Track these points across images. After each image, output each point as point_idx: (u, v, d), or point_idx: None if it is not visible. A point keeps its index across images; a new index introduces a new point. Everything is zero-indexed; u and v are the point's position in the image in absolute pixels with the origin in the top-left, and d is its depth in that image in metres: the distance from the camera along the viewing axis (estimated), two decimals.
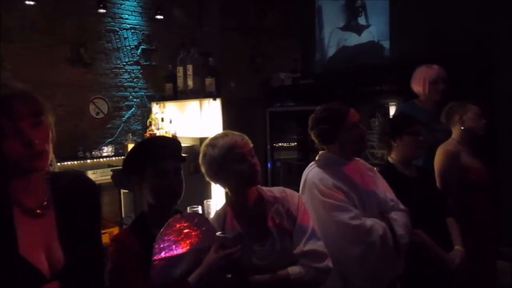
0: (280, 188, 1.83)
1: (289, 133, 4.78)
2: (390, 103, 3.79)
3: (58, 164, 3.82)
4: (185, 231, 1.50)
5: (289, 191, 1.81)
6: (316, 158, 2.12)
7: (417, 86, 2.96)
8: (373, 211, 1.96)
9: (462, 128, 2.56)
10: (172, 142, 1.71)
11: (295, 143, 4.71)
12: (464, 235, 2.27)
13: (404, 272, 1.97)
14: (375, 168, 2.18)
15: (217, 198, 3.37)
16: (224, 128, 3.50)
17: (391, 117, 2.60)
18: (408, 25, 4.10)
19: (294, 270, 1.65)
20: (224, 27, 6.07)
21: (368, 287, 1.91)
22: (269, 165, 4.62)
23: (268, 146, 4.68)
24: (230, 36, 6.13)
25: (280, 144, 4.88)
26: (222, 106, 3.69)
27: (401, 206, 2.02)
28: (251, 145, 1.76)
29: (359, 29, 4.70)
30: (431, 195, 2.27)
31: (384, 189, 2.04)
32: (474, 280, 2.39)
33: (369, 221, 1.88)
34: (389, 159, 2.32)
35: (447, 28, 3.70)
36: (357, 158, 2.12)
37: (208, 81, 3.74)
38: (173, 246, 1.45)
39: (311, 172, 2.04)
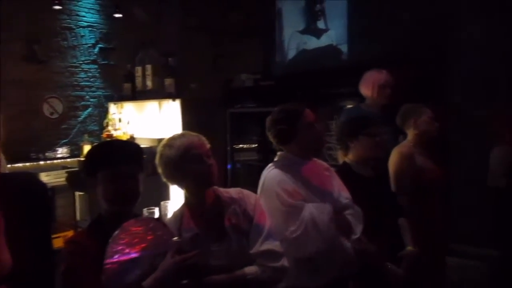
0: (237, 189, 1.84)
1: (249, 134, 4.79)
2: (348, 105, 3.87)
3: (9, 165, 3.66)
4: (140, 235, 1.47)
5: (246, 191, 1.82)
6: (275, 159, 2.14)
7: (366, 89, 3.07)
8: None
9: (417, 131, 2.65)
10: (131, 146, 1.70)
11: (256, 145, 4.72)
12: (416, 234, 2.35)
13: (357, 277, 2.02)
14: (332, 169, 2.22)
15: (176, 199, 3.33)
16: (183, 129, 3.47)
17: (349, 118, 2.66)
18: (366, 29, 4.22)
19: (250, 270, 1.66)
20: (185, 26, 6.02)
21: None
22: (229, 166, 4.62)
23: (229, 148, 4.67)
24: (191, 36, 6.08)
25: (240, 145, 4.88)
26: (182, 107, 3.66)
27: (355, 207, 2.06)
28: (209, 145, 1.76)
29: (318, 33, 4.78)
30: (385, 196, 2.34)
31: (339, 189, 2.08)
32: (425, 277, 2.48)
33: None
34: (346, 159, 2.37)
35: (403, 32, 3.83)
36: (314, 159, 2.16)
37: (168, 81, 3.70)
38: (127, 250, 1.43)
39: (270, 173, 2.06)
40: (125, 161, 1.55)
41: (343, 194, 2.07)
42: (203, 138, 1.76)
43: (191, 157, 1.68)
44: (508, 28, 3.28)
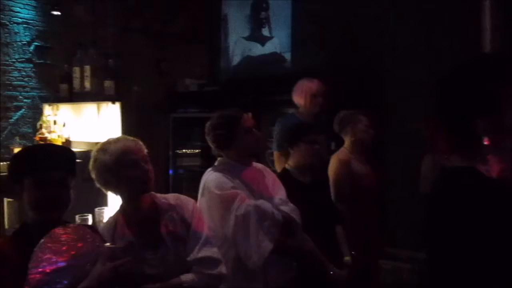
0: (175, 194, 1.82)
1: (193, 139, 4.74)
2: (290, 112, 3.93)
3: None
4: (69, 242, 1.41)
5: (184, 197, 1.80)
6: (214, 164, 2.14)
7: (298, 98, 3.14)
8: None
9: (353, 138, 2.74)
10: (60, 151, 1.64)
11: (199, 150, 4.68)
12: (354, 239, 2.42)
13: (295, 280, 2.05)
14: (273, 173, 2.25)
15: (114, 206, 3.22)
16: (123, 134, 3.37)
17: (290, 124, 2.72)
18: (309, 38, 4.32)
19: (187, 277, 1.65)
20: (128, 28, 5.85)
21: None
22: (171, 172, 4.54)
23: (171, 153, 4.59)
24: (134, 38, 5.92)
25: (183, 150, 4.81)
26: (122, 110, 3.55)
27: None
28: (146, 150, 1.72)
29: (263, 40, 4.83)
30: (324, 202, 2.39)
31: (280, 194, 2.11)
32: (360, 280, 2.56)
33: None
34: (286, 165, 2.41)
35: (344, 42, 3.96)
36: (255, 163, 2.18)
37: (107, 83, 3.58)
38: (54, 259, 1.36)
39: (209, 176, 2.06)
40: (53, 167, 1.48)
41: (283, 199, 2.10)
42: (140, 143, 1.72)
43: (126, 162, 1.63)
44: (442, 39, 3.48)
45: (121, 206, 1.73)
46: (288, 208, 2.04)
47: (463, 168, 1.11)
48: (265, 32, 4.84)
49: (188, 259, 1.67)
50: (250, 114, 2.15)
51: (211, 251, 1.70)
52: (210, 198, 1.97)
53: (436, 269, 1.14)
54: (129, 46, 5.61)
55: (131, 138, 1.73)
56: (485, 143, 1.07)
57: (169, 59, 6.43)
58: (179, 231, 1.69)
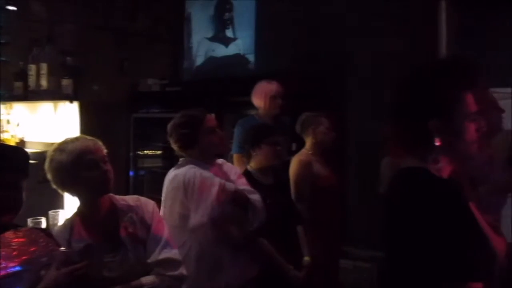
0: (135, 196, 1.78)
1: (155, 140, 4.66)
2: (250, 114, 3.95)
3: None
4: (20, 247, 1.35)
5: (143, 199, 1.77)
6: (177, 164, 2.12)
7: (258, 100, 3.15)
8: None
9: (314, 140, 2.78)
10: (11, 152, 1.56)
11: (161, 151, 4.61)
12: (314, 240, 2.46)
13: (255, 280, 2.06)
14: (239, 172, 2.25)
15: (71, 208, 3.12)
16: (81, 134, 3.27)
17: (252, 126, 2.74)
18: (272, 40, 4.35)
19: (147, 279, 1.62)
20: (88, 25, 5.69)
21: None
22: (131, 173, 4.45)
23: (131, 154, 4.50)
24: (94, 36, 5.76)
25: (145, 151, 4.72)
26: (80, 110, 3.45)
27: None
28: (105, 151, 1.67)
29: (226, 41, 4.82)
30: (285, 203, 2.42)
31: (243, 184, 2.13)
32: (321, 281, 2.59)
33: None
34: (248, 167, 2.41)
35: (307, 45, 4.01)
36: (219, 160, 2.18)
37: (65, 82, 3.47)
38: (4, 264, 1.30)
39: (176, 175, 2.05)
40: (3, 168, 1.41)
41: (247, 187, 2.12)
42: (99, 143, 1.68)
43: (85, 162, 1.59)
44: (397, 43, 3.58)
45: (78, 208, 1.68)
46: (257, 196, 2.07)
47: (415, 168, 1.15)
48: (229, 33, 4.84)
49: (149, 261, 1.65)
50: (213, 115, 2.15)
51: (171, 253, 1.68)
52: (173, 197, 1.96)
53: (395, 266, 1.18)
54: (89, 44, 5.46)
55: (90, 138, 1.68)
56: (437, 144, 1.11)
57: (132, 58, 6.30)
58: (139, 233, 1.66)
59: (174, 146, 2.10)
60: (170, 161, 4.37)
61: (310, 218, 2.56)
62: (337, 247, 2.87)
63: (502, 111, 2.07)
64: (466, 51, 4.03)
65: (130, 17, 6.37)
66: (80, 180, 1.59)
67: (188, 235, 1.95)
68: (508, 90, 5.29)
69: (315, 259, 2.40)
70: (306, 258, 2.39)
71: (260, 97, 3.12)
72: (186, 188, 1.95)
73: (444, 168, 1.15)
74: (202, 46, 5.04)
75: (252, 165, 2.40)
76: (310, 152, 2.80)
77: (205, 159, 2.07)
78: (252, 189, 2.09)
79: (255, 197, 2.05)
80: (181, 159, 2.11)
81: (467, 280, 1.00)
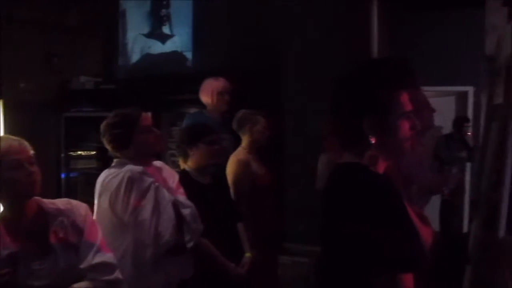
0: (65, 199, 1.69)
1: (88, 140, 4.48)
2: (199, 110, 3.90)
3: None
4: None
5: (75, 202, 1.68)
6: (111, 165, 2.04)
7: (205, 97, 3.16)
8: None
9: (251, 138, 2.79)
10: None
11: (95, 152, 4.43)
12: (253, 237, 2.47)
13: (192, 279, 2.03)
14: (175, 173, 2.20)
15: None
16: (6, 134, 3.06)
17: (188, 125, 2.70)
18: (209, 38, 4.32)
19: (80, 286, 1.55)
20: (12, 18, 5.33)
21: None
22: (63, 175, 4.24)
23: (63, 155, 4.29)
24: (20, 30, 5.42)
25: (78, 152, 4.52)
26: (4, 109, 3.23)
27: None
28: (32, 151, 1.57)
29: (163, 38, 4.73)
30: (224, 202, 2.41)
31: (180, 191, 2.08)
32: (260, 276, 2.61)
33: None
34: (185, 167, 2.38)
35: (244, 43, 4.02)
36: (157, 163, 2.12)
37: None
38: None
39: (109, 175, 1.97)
40: None
41: (182, 196, 2.08)
42: (25, 143, 1.57)
43: (8, 163, 1.48)
44: (336, 40, 3.69)
45: (2, 213, 1.56)
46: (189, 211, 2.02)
47: (352, 163, 1.18)
48: (166, 30, 4.75)
49: (82, 266, 1.57)
50: (149, 114, 2.09)
51: (105, 257, 1.62)
52: (109, 199, 1.88)
53: (331, 260, 1.21)
54: (14, 39, 5.13)
55: (15, 137, 1.58)
56: (372, 141, 1.15)
57: (62, 54, 5.99)
58: (71, 238, 1.58)
59: (108, 147, 2.02)
60: (104, 162, 4.21)
61: (249, 216, 2.57)
62: (276, 243, 2.91)
63: (433, 110, 2.19)
64: (396, 50, 4.26)
65: (60, 11, 6.05)
66: (3, 182, 1.48)
67: (124, 238, 1.88)
68: (435, 88, 5.65)
69: (255, 255, 2.42)
70: (247, 255, 2.41)
71: (208, 93, 3.14)
72: (119, 191, 1.87)
73: (379, 164, 1.20)
74: (138, 43, 4.90)
75: (189, 165, 2.37)
76: (247, 151, 2.81)
77: (141, 160, 2.01)
78: (189, 203, 2.03)
79: (187, 212, 1.99)
80: (115, 159, 2.04)
81: (399, 270, 1.04)
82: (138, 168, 1.95)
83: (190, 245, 1.98)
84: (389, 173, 1.25)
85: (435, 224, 5.34)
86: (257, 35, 3.97)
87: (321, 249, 1.25)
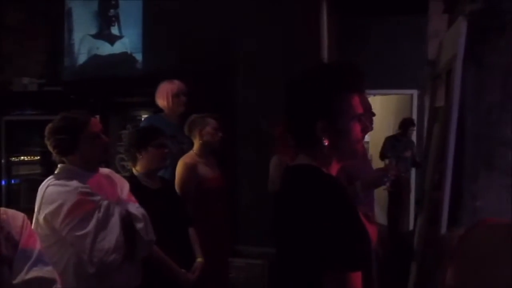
0: (1, 209, 1.56)
1: (31, 145, 4.27)
2: (142, 115, 3.83)
3: None
4: None
5: (10, 211, 1.55)
6: (56, 172, 1.94)
7: (161, 100, 3.13)
8: None
9: (201, 141, 2.76)
10: None
11: (39, 157, 4.23)
12: (204, 241, 2.45)
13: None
14: (124, 179, 2.13)
15: None
16: None
17: (137, 129, 2.64)
18: (160, 39, 4.25)
19: None
20: None
21: None
22: (3, 182, 4.02)
23: (3, 161, 4.07)
24: None
25: (21, 158, 4.30)
26: None
27: (147, 219, 2.02)
28: None
29: (112, 39, 4.60)
30: (174, 207, 2.36)
31: (130, 200, 2.01)
32: (212, 280, 2.59)
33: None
34: (134, 171, 2.32)
35: (195, 45, 3.99)
36: (101, 168, 2.04)
37: None
38: None
39: (51, 186, 1.85)
40: None
41: (133, 205, 2.00)
42: None
43: None
44: (286, 45, 3.74)
45: None
46: (139, 212, 1.95)
47: (304, 165, 1.20)
48: (115, 30, 4.62)
49: (14, 282, 1.42)
50: (97, 118, 2.01)
51: (43, 271, 1.48)
52: (54, 211, 1.78)
53: (284, 261, 1.21)
54: None
55: None
56: (325, 143, 1.16)
57: (3, 54, 5.69)
58: (4, 251, 1.43)
59: (52, 152, 1.92)
60: (49, 167, 4.04)
61: (200, 220, 2.55)
62: (228, 246, 2.90)
63: (374, 114, 2.27)
64: (344, 55, 4.38)
65: (1, 10, 5.75)
66: None
67: (64, 251, 1.79)
68: (382, 91, 5.84)
69: (207, 259, 2.39)
70: (199, 259, 2.38)
71: (163, 97, 3.11)
72: (62, 209, 1.77)
73: (332, 166, 1.22)
74: (85, 44, 4.73)
75: (137, 169, 2.30)
76: (196, 154, 2.78)
77: (87, 167, 1.92)
78: (141, 213, 1.95)
79: (141, 226, 1.91)
80: (60, 165, 1.94)
81: (348, 269, 1.06)
82: (85, 188, 1.84)
83: (141, 257, 1.92)
84: (340, 174, 1.27)
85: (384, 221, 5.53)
86: (208, 36, 3.95)
87: (275, 251, 1.25)
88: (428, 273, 2.19)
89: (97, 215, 1.80)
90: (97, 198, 1.84)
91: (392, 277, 2.36)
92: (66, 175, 1.89)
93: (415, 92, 5.72)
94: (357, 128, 1.19)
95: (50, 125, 1.92)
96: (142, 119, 3.82)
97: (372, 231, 1.29)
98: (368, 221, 1.31)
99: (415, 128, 5.40)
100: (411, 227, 5.31)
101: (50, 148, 1.93)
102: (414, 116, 5.72)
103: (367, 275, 1.11)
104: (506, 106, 1.86)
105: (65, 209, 1.78)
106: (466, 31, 1.88)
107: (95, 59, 4.66)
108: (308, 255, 1.09)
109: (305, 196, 1.12)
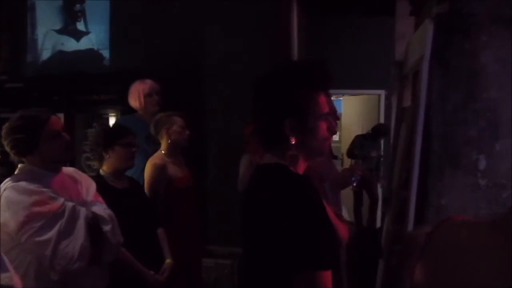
0: None
1: None
2: (109, 114, 3.74)
3: None
4: None
5: None
6: (15, 173, 1.85)
7: (133, 101, 3.09)
8: None
9: (168, 140, 2.70)
10: None
11: None
12: (174, 241, 2.41)
13: None
14: (90, 179, 2.06)
15: None
16: None
17: (104, 127, 2.57)
18: (128, 36, 4.17)
19: None
20: None
21: None
22: None
23: None
24: None
25: None
26: None
27: (114, 220, 1.96)
28: None
29: (77, 35, 4.48)
30: (142, 207, 2.31)
31: (96, 200, 1.95)
32: (182, 280, 2.56)
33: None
34: (100, 171, 2.25)
35: (164, 42, 3.93)
36: (65, 167, 1.95)
37: None
38: None
39: (9, 189, 1.76)
40: None
41: (101, 206, 1.94)
42: None
43: None
44: (256, 44, 3.73)
45: None
46: (106, 213, 1.89)
47: (273, 164, 1.19)
48: (81, 26, 4.50)
49: None
50: (59, 116, 1.92)
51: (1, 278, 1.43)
52: (14, 214, 1.69)
53: (252, 261, 1.20)
54: None
55: None
56: (293, 142, 1.16)
57: None
58: None
59: (10, 153, 1.82)
60: (8, 167, 3.88)
61: (169, 220, 2.50)
62: (198, 246, 2.86)
63: (338, 118, 2.28)
64: (312, 54, 4.41)
65: None
66: None
67: (24, 256, 1.70)
68: (350, 91, 5.91)
69: (176, 260, 2.36)
70: (168, 261, 2.34)
71: (135, 97, 3.07)
72: (21, 213, 1.67)
73: (299, 165, 1.21)
74: (49, 39, 4.59)
75: (104, 169, 2.24)
76: (165, 154, 2.71)
77: (48, 167, 1.83)
78: (108, 214, 1.88)
79: (108, 228, 1.84)
80: (20, 165, 1.85)
81: (318, 269, 1.06)
82: (46, 190, 1.75)
83: (108, 260, 1.86)
84: (308, 172, 1.27)
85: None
86: (177, 34, 3.90)
87: (243, 250, 1.24)
88: (396, 270, 2.23)
89: (60, 220, 1.73)
90: (61, 200, 1.76)
91: (361, 275, 2.40)
92: (26, 177, 1.80)
93: (382, 93, 5.82)
94: (324, 127, 1.19)
95: (7, 124, 1.82)
96: (109, 117, 3.73)
97: (344, 230, 1.29)
98: (340, 219, 1.32)
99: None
100: (379, 224, 5.41)
101: (7, 149, 1.83)
102: (382, 116, 5.82)
103: (336, 274, 1.11)
104: (471, 107, 1.91)
105: (24, 213, 1.69)
106: (433, 33, 1.91)
107: (59, 55, 4.53)
108: (277, 254, 1.08)
109: (273, 195, 1.12)
